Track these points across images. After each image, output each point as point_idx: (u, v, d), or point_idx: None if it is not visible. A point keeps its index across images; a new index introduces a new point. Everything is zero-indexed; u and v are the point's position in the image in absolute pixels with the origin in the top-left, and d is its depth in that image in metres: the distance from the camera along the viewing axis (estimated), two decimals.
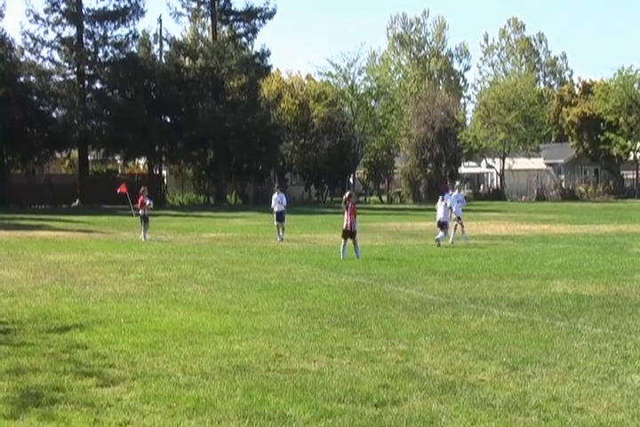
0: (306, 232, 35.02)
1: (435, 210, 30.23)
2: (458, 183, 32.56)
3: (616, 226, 39.50)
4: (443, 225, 28.88)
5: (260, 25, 74.37)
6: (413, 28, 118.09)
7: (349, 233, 24.30)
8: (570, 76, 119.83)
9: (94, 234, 34.97)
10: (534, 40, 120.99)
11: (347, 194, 25.86)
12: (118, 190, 34.80)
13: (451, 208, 29.72)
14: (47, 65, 69.71)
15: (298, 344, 11.60)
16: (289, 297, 16.10)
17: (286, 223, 32.04)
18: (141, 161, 79.73)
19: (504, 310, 14.54)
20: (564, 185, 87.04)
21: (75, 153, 72.76)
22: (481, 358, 10.78)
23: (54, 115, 70.29)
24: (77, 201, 66.75)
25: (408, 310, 14.48)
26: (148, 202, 32.12)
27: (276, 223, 31.44)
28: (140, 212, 32.08)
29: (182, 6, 74.61)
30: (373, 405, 8.74)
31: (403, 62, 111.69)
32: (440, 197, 30.38)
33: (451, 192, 31.37)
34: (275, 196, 32.46)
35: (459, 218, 30.46)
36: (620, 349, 11.32)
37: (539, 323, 13.26)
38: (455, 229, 29.94)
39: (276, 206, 31.89)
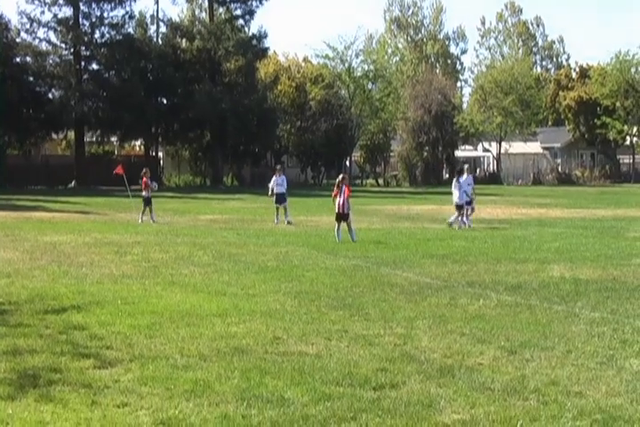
0: (302, 214, 34.95)
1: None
2: (467, 166, 32.10)
3: (613, 210, 39.52)
4: (458, 208, 29.12)
5: (257, 6, 74.08)
6: (410, 11, 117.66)
7: (342, 216, 24.27)
8: (567, 61, 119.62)
9: (90, 215, 34.95)
10: (531, 24, 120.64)
11: (340, 177, 25.81)
12: (115, 172, 34.65)
13: (465, 192, 29.61)
14: (43, 46, 69.46)
15: (295, 327, 11.58)
16: (286, 279, 16.08)
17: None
18: (138, 142, 79.58)
19: (501, 293, 14.52)
20: (560, 169, 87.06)
21: (71, 134, 72.50)
22: (479, 341, 10.77)
23: (50, 95, 70.10)
24: (74, 182, 66.64)
25: (405, 294, 14.46)
26: (152, 184, 31.97)
27: (275, 205, 31.35)
28: (144, 193, 31.80)
29: None
30: (372, 388, 8.71)
31: (400, 45, 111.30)
32: (454, 179, 30.51)
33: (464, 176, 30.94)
34: (274, 177, 32.31)
35: (471, 201, 30.25)
36: (618, 333, 11.31)
37: (536, 307, 13.25)
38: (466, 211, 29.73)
39: (276, 188, 31.71)
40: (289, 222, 30.25)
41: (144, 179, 31.93)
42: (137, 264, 18.45)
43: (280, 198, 31.22)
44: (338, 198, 24.46)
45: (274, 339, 10.83)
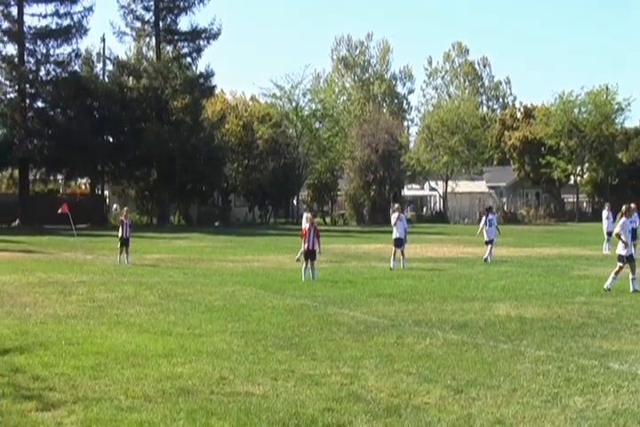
0: (250, 254, 34.88)
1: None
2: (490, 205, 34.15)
3: (557, 249, 39.90)
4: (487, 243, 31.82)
5: (205, 45, 74.58)
6: (357, 50, 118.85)
7: (310, 253, 24.37)
8: (513, 101, 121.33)
9: (35, 254, 34.54)
10: (478, 64, 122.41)
11: (308, 215, 26.19)
12: (60, 210, 34.37)
13: (497, 228, 32.95)
14: None
15: (242, 367, 11.51)
16: (233, 319, 16.00)
17: (230, 244, 31.84)
18: (84, 180, 78.99)
19: (448, 332, 14.57)
20: (506, 208, 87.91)
21: (16, 172, 71.78)
22: (425, 380, 10.77)
23: None
24: (17, 221, 65.86)
25: (352, 333, 14.45)
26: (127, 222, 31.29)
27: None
28: (123, 234, 30.89)
29: (126, 25, 74.54)
30: None
31: (347, 85, 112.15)
32: (484, 217, 33.23)
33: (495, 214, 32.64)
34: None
35: (491, 241, 32.23)
36: (562, 371, 11.38)
37: (482, 345, 13.31)
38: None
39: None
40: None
41: (122, 218, 31.56)
42: (82, 304, 18.25)
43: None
44: (307, 236, 24.60)
45: (220, 379, 10.75)
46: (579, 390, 10.30)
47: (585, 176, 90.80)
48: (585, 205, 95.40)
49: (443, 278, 24.74)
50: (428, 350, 12.86)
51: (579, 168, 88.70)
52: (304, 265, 24.41)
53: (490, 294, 20.53)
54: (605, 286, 21.35)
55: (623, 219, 21.71)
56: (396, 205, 31.53)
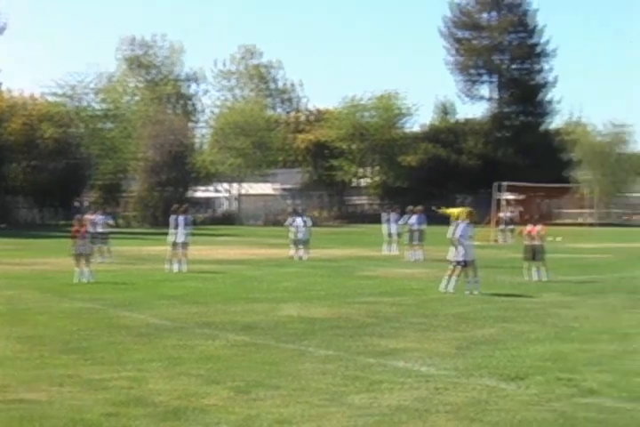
0: (36, 256, 33.97)
1: None
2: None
3: (345, 250, 40.78)
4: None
5: None
6: (146, 51, 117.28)
7: (84, 255, 23.94)
8: (305, 104, 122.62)
9: None
10: (269, 67, 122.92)
11: (78, 216, 25.72)
12: None
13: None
14: None
15: (24, 373, 11.22)
16: (16, 324, 15.57)
17: (17, 247, 30.92)
18: None
19: (234, 333, 14.66)
20: (299, 211, 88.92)
21: None
22: (211, 382, 10.80)
23: None
24: None
25: (138, 336, 14.32)
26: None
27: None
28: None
29: None
30: None
31: (135, 85, 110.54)
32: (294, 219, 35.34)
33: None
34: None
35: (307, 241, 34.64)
36: (345, 370, 11.63)
37: (268, 346, 13.46)
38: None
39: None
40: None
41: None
42: None
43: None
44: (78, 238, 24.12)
45: (1, 387, 10.44)
46: (361, 388, 10.55)
47: (376, 179, 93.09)
48: (375, 207, 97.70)
49: (230, 280, 24.85)
50: (213, 352, 12.90)
51: (364, 170, 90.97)
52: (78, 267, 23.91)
53: (277, 296, 20.77)
54: (443, 288, 21.48)
55: (463, 224, 21.76)
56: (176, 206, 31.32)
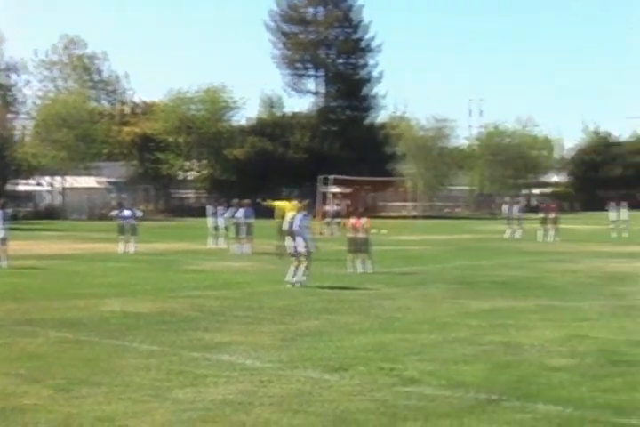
0: None
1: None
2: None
3: (171, 244, 40.53)
4: None
5: None
6: None
7: None
8: (130, 96, 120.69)
9: None
10: (94, 58, 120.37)
11: None
12: None
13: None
14: None
15: None
16: None
17: None
18: None
19: (56, 330, 14.35)
20: (125, 204, 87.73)
21: None
22: (31, 381, 10.53)
23: None
24: None
25: None
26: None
27: None
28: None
29: None
30: None
31: None
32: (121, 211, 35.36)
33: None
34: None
35: None
36: (170, 365, 11.55)
37: (91, 342, 13.25)
38: None
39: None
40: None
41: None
42: None
43: None
44: None
45: None
46: (185, 383, 10.49)
47: (203, 172, 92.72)
48: (202, 201, 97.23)
49: (52, 276, 24.34)
50: (34, 350, 12.58)
51: (191, 163, 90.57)
52: None
53: (101, 291, 20.46)
54: (292, 281, 21.38)
55: (300, 215, 21.82)
56: None
